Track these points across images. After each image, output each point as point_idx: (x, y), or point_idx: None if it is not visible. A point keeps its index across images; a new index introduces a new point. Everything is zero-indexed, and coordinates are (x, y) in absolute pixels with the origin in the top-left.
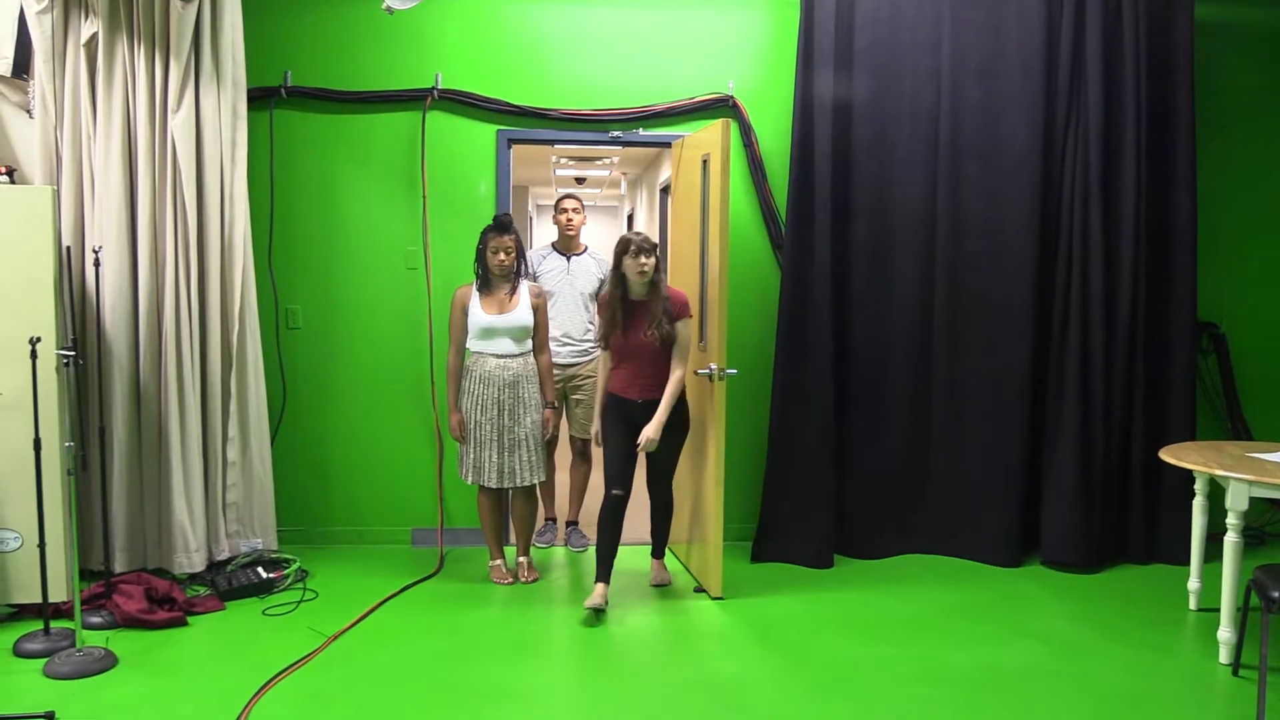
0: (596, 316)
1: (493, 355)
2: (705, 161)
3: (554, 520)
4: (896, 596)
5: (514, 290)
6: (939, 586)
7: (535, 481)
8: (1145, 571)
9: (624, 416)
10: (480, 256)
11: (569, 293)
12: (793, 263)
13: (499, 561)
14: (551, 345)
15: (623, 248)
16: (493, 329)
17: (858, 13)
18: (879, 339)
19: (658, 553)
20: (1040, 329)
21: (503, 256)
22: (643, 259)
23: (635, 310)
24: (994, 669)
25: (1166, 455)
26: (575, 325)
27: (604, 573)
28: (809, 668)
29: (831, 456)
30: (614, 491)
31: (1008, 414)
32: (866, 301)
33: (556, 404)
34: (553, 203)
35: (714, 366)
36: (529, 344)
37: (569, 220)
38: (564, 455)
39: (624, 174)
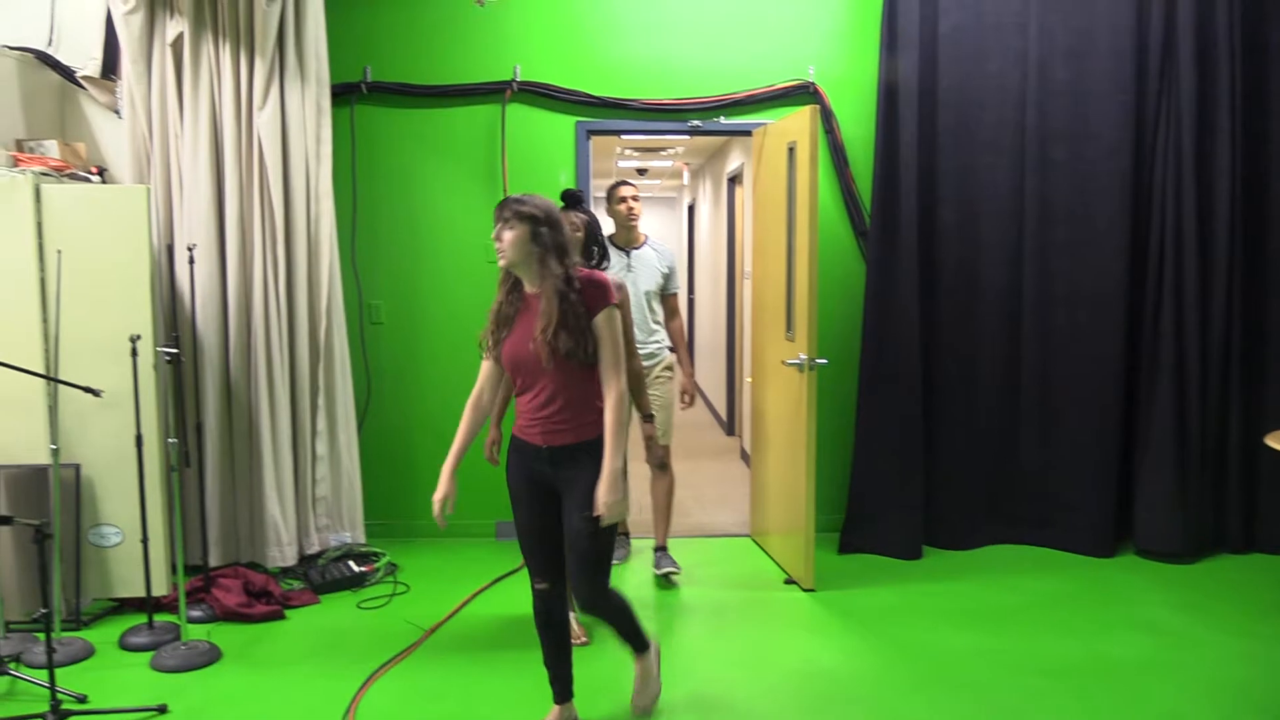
0: (661, 315)
1: None
2: (791, 149)
3: (627, 535)
4: (991, 587)
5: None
6: (1034, 577)
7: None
8: (1245, 561)
9: (526, 474)
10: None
11: (631, 291)
12: (878, 250)
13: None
14: None
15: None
16: None
17: None
18: (966, 327)
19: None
20: (1132, 315)
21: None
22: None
23: (531, 305)
24: (1104, 659)
25: (1273, 441)
26: (640, 326)
27: (561, 691)
28: (912, 659)
29: (919, 446)
30: (538, 586)
31: (1099, 401)
32: (953, 289)
33: (652, 413)
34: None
35: (804, 356)
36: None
37: (629, 209)
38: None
39: (687, 164)
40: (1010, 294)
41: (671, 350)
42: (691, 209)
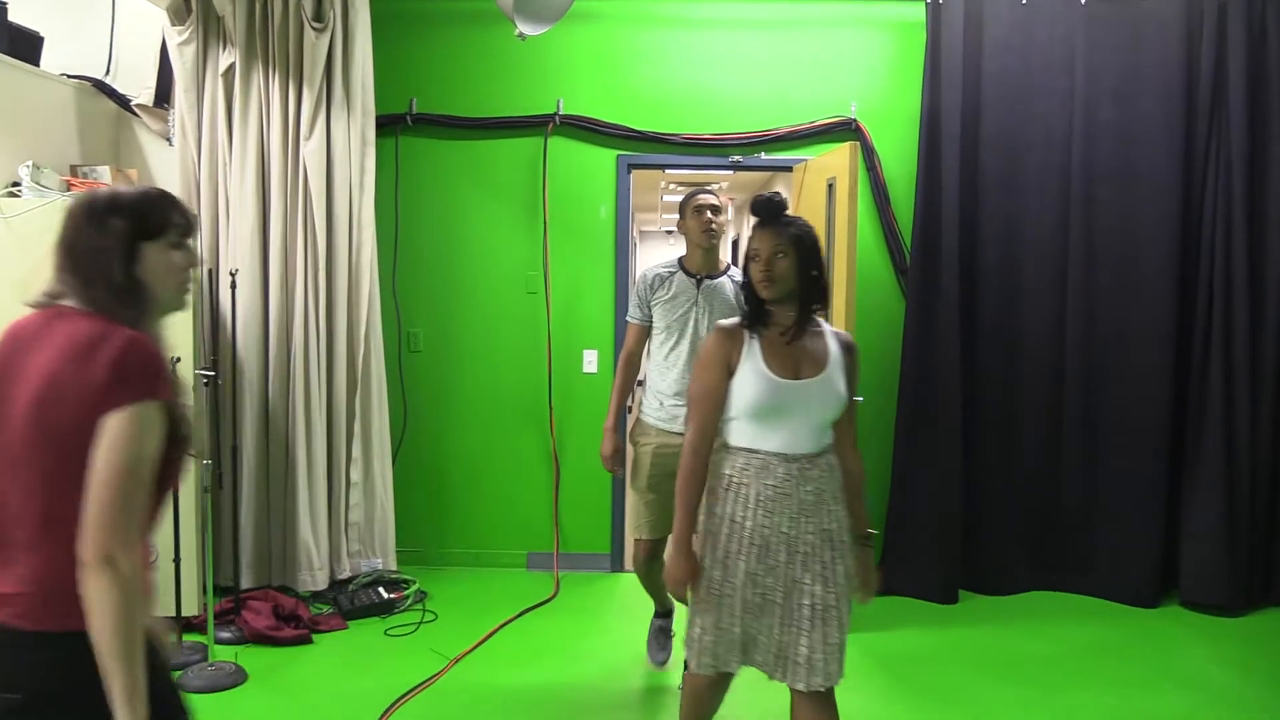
0: None
1: (777, 455)
2: (831, 186)
3: (667, 613)
4: (1029, 635)
5: (817, 333)
6: (1073, 626)
7: (836, 683)
8: None
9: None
10: (747, 268)
11: (692, 334)
12: (918, 288)
13: None
14: (670, 403)
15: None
16: (783, 406)
17: (986, 34)
18: (1008, 367)
19: None
20: (1180, 358)
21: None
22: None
23: None
24: (1143, 715)
25: None
26: None
27: None
28: (945, 707)
29: (958, 487)
30: None
31: (1145, 447)
32: (995, 328)
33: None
34: (657, 228)
35: None
36: (831, 434)
37: (708, 224)
38: None
39: (731, 199)
40: (1053, 335)
41: None
42: (735, 243)
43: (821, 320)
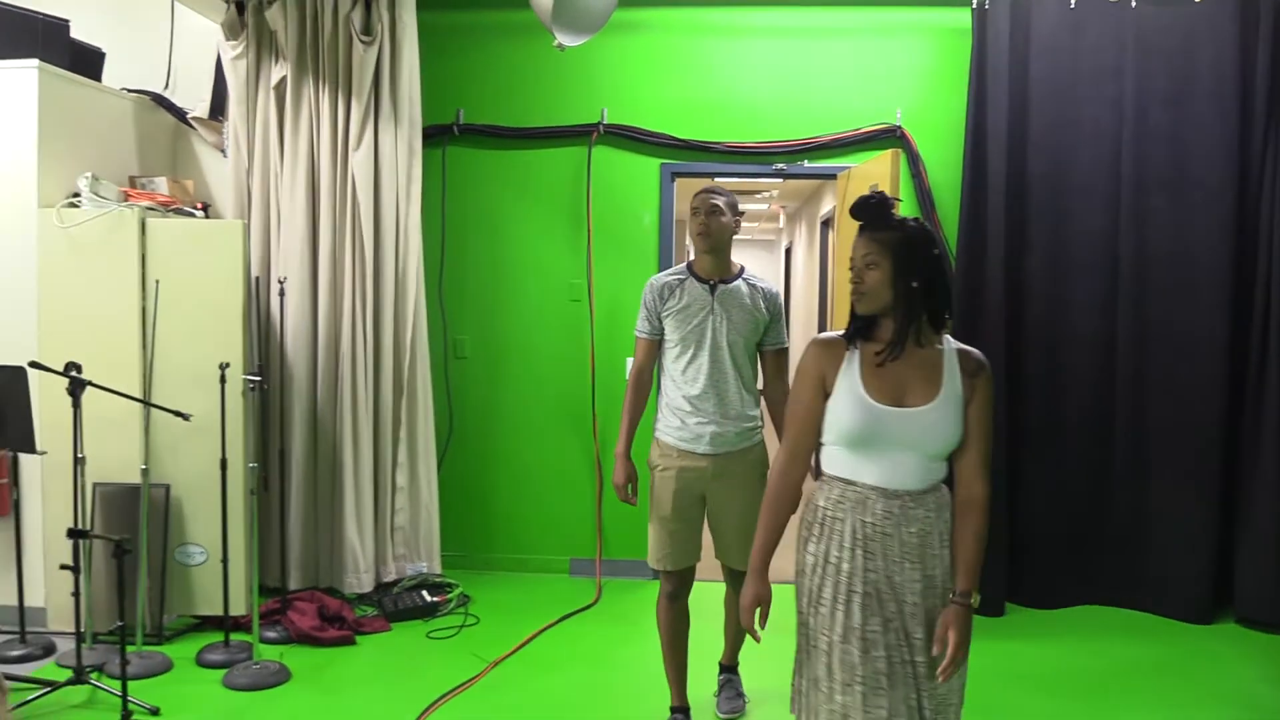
0: (761, 374)
1: (876, 489)
2: None
3: (684, 713)
4: (1076, 650)
5: (935, 352)
6: (1122, 641)
7: None
8: None
9: None
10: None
11: (711, 344)
12: (963, 295)
13: None
14: (692, 421)
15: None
16: (881, 436)
17: (1033, 38)
18: (1056, 376)
19: None
20: (1235, 367)
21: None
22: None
23: None
24: None
25: None
26: (724, 397)
27: None
28: None
29: (1004, 498)
30: None
31: (1198, 457)
32: (1042, 336)
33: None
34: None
35: None
36: (944, 468)
37: (701, 228)
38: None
39: (783, 207)
40: (1103, 344)
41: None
42: (789, 252)
43: (947, 338)
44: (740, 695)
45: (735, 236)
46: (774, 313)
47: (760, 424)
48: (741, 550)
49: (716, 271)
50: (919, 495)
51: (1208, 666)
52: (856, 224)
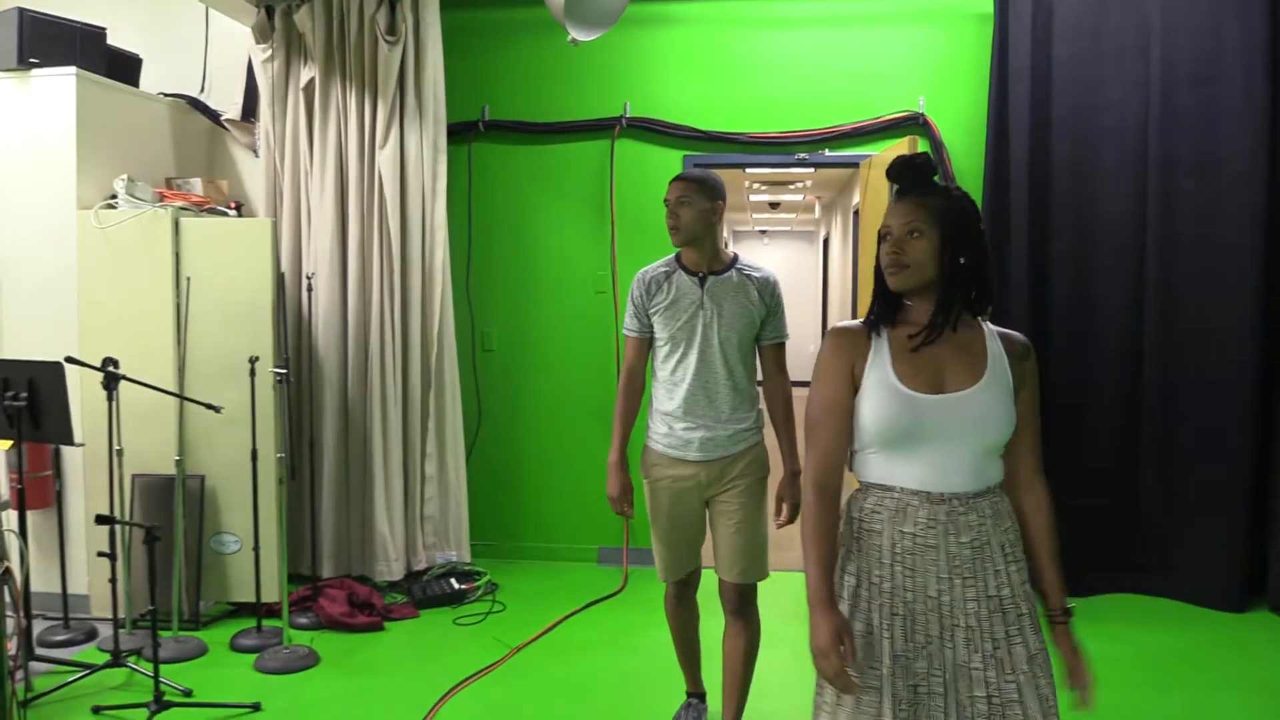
0: (760, 371)
1: (918, 493)
2: None
3: (700, 697)
4: (1101, 637)
5: (972, 335)
6: (1146, 628)
7: None
8: None
9: None
10: (878, 250)
11: (702, 339)
12: None
13: None
14: (679, 427)
15: None
16: (922, 429)
17: (1056, 21)
18: (1081, 362)
19: None
20: (1266, 352)
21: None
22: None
23: None
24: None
25: None
26: (715, 395)
27: None
28: None
29: None
30: None
31: (1229, 444)
32: (1067, 322)
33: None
34: (750, 228)
35: None
36: (1000, 467)
37: (672, 219)
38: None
39: (818, 198)
40: (1130, 329)
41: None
42: (826, 242)
43: (984, 321)
44: None
45: (744, 226)
46: (771, 304)
47: (756, 426)
48: (738, 563)
49: (706, 262)
50: (970, 499)
51: (1235, 653)
52: (891, 188)
